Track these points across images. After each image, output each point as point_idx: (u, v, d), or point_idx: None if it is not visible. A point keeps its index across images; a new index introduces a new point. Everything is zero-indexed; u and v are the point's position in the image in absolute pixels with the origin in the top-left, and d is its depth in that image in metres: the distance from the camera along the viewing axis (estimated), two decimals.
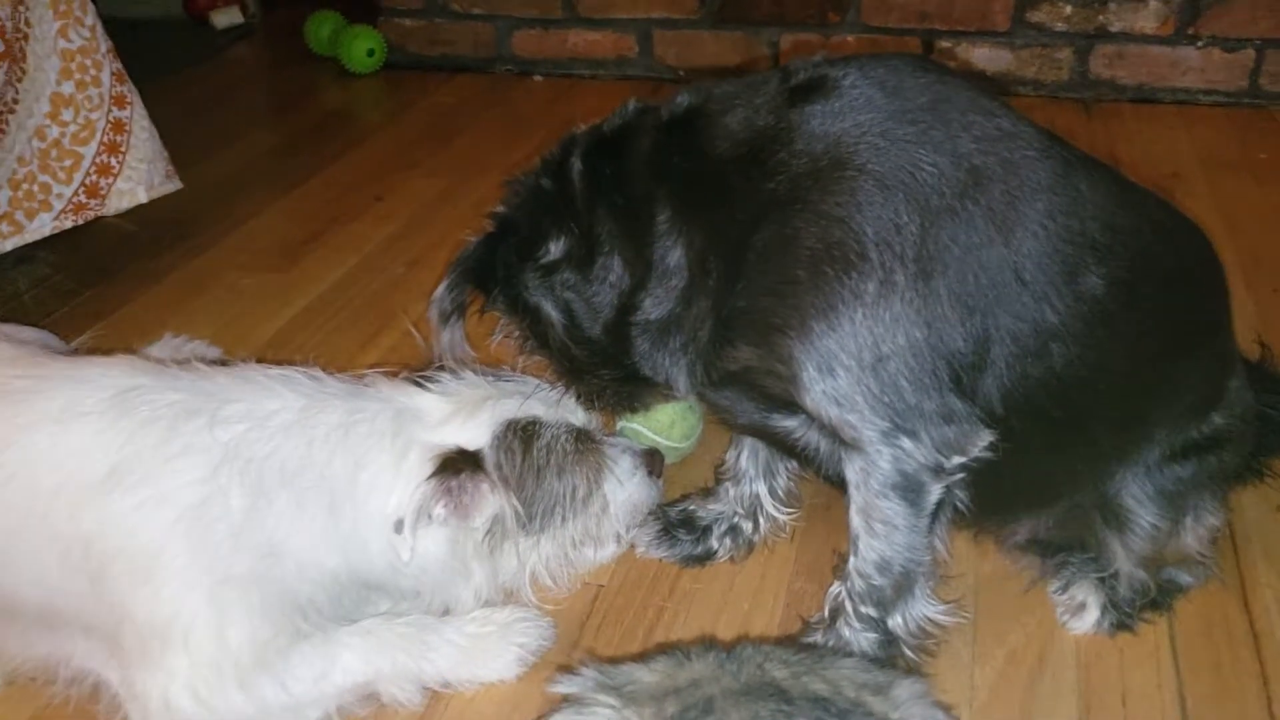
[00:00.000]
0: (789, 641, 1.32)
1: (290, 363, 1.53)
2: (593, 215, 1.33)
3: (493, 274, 1.42)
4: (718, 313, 1.27)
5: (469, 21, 3.57)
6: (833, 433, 1.26)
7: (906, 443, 1.21)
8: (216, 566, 1.32)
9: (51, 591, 1.34)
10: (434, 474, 1.40)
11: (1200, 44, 3.08)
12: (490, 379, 1.56)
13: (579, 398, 1.51)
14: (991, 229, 1.20)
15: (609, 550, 1.62)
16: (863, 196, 1.18)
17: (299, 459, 1.39)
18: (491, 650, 1.44)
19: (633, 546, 1.64)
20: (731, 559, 1.62)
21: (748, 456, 1.61)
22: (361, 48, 3.59)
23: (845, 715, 0.96)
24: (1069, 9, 3.11)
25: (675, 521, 1.64)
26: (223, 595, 1.32)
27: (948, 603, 1.38)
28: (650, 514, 1.65)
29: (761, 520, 1.62)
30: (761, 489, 1.61)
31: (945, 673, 1.41)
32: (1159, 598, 1.47)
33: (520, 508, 1.46)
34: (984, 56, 3.22)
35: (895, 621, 1.36)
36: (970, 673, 1.43)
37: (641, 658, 1.08)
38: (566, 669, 1.06)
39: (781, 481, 1.62)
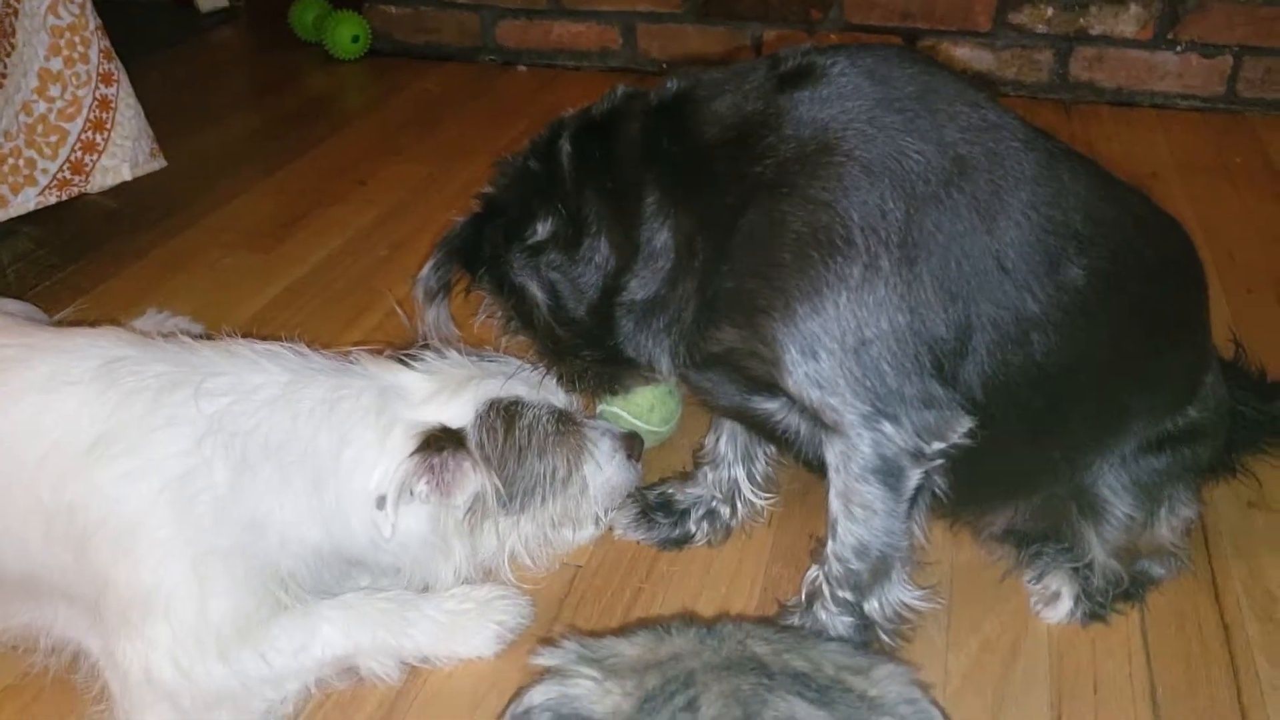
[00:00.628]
0: (769, 621, 1.33)
1: (274, 340, 1.54)
2: (580, 197, 1.34)
3: (479, 254, 1.43)
4: (703, 294, 1.28)
5: (454, 10, 3.57)
6: (814, 416, 1.27)
7: (888, 427, 1.23)
8: (199, 538, 1.32)
9: (34, 560, 1.35)
10: (417, 450, 1.41)
11: (1179, 49, 3.11)
12: (473, 359, 1.57)
13: (560, 379, 1.52)
14: (975, 217, 1.22)
15: (587, 531, 1.63)
16: (849, 182, 1.19)
17: (283, 433, 1.39)
18: (470, 627, 1.45)
19: (611, 529, 1.65)
20: (709, 543, 1.64)
21: (726, 441, 1.62)
22: (346, 34, 3.58)
23: (825, 691, 0.97)
24: (1050, 11, 3.14)
25: (654, 505, 1.65)
26: (205, 567, 1.32)
27: (924, 589, 1.40)
28: (629, 497, 1.66)
29: (739, 505, 1.64)
30: (740, 474, 1.63)
31: (919, 659, 1.42)
32: (1131, 589, 1.49)
33: (501, 487, 1.47)
34: (965, 56, 3.24)
35: (871, 606, 1.38)
36: (944, 659, 1.45)
37: (622, 632, 1.09)
38: (548, 641, 1.07)
39: (760, 467, 1.64)
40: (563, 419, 1.55)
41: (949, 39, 3.24)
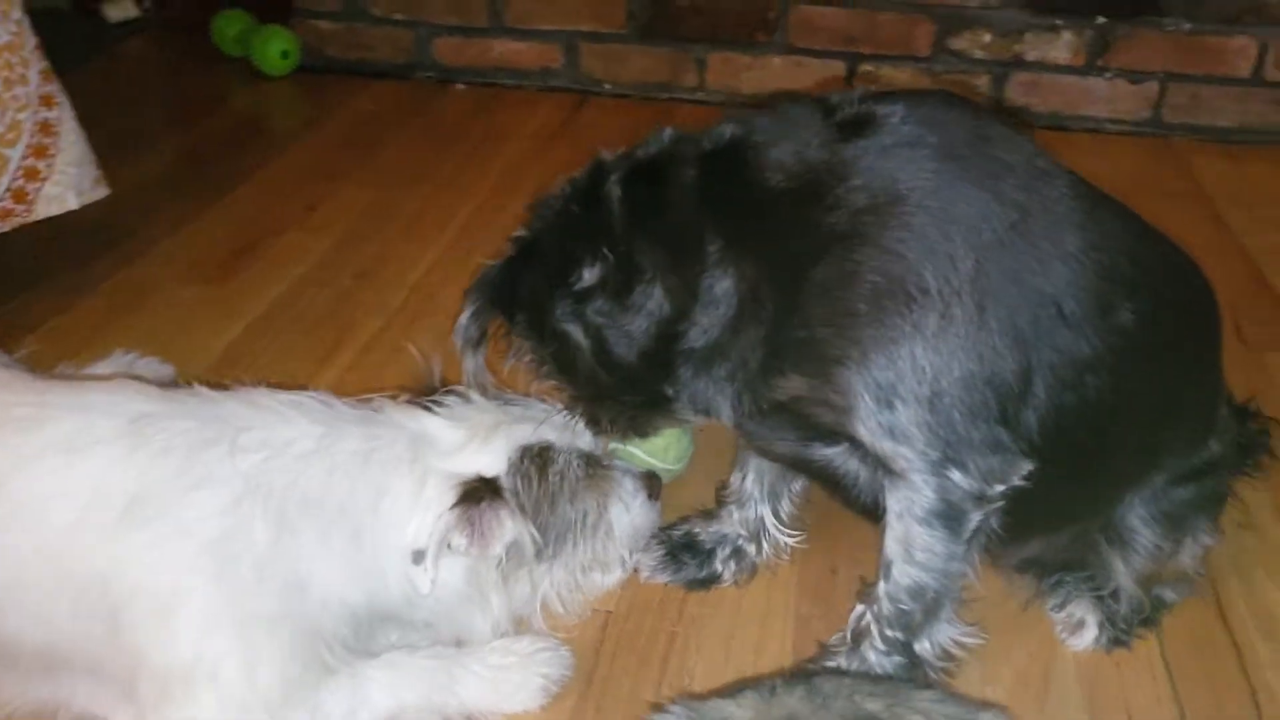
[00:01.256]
0: (864, 675, 1.33)
1: (241, 381, 1.49)
2: (632, 242, 1.32)
3: (517, 300, 1.40)
4: (771, 343, 1.27)
5: (389, 26, 3.50)
6: (879, 462, 1.28)
7: (955, 473, 1.24)
8: (242, 603, 1.27)
9: (59, 633, 1.27)
10: (456, 503, 1.37)
11: (1108, 75, 3.23)
12: (497, 403, 1.54)
13: (590, 422, 1.50)
14: (1035, 263, 1.24)
15: (615, 575, 1.60)
16: (921, 232, 1.20)
17: (320, 488, 1.35)
18: (515, 681, 1.42)
19: (637, 571, 1.63)
20: (736, 583, 1.63)
21: (753, 480, 1.62)
22: (275, 49, 3.47)
23: None
24: (988, 37, 3.23)
25: (679, 545, 1.64)
26: (250, 633, 1.27)
27: (970, 625, 1.42)
28: (653, 538, 1.65)
29: (765, 543, 1.64)
30: (766, 512, 1.63)
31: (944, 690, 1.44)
32: (1151, 615, 1.54)
33: (537, 535, 1.45)
34: (906, 81, 3.30)
35: (922, 646, 1.39)
36: (981, 693, 1.47)
37: (726, 692, 1.08)
38: (657, 707, 1.06)
39: (785, 505, 1.64)
40: (591, 462, 1.53)
41: (890, 63, 3.30)
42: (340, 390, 1.58)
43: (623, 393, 1.41)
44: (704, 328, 1.30)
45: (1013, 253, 1.22)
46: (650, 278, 1.31)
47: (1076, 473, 1.36)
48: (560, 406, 1.52)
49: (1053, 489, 1.35)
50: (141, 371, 1.91)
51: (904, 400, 1.21)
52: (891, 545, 1.33)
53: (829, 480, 1.39)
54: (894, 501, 1.30)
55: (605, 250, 1.32)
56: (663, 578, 1.62)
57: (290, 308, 2.29)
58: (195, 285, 2.35)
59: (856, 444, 1.29)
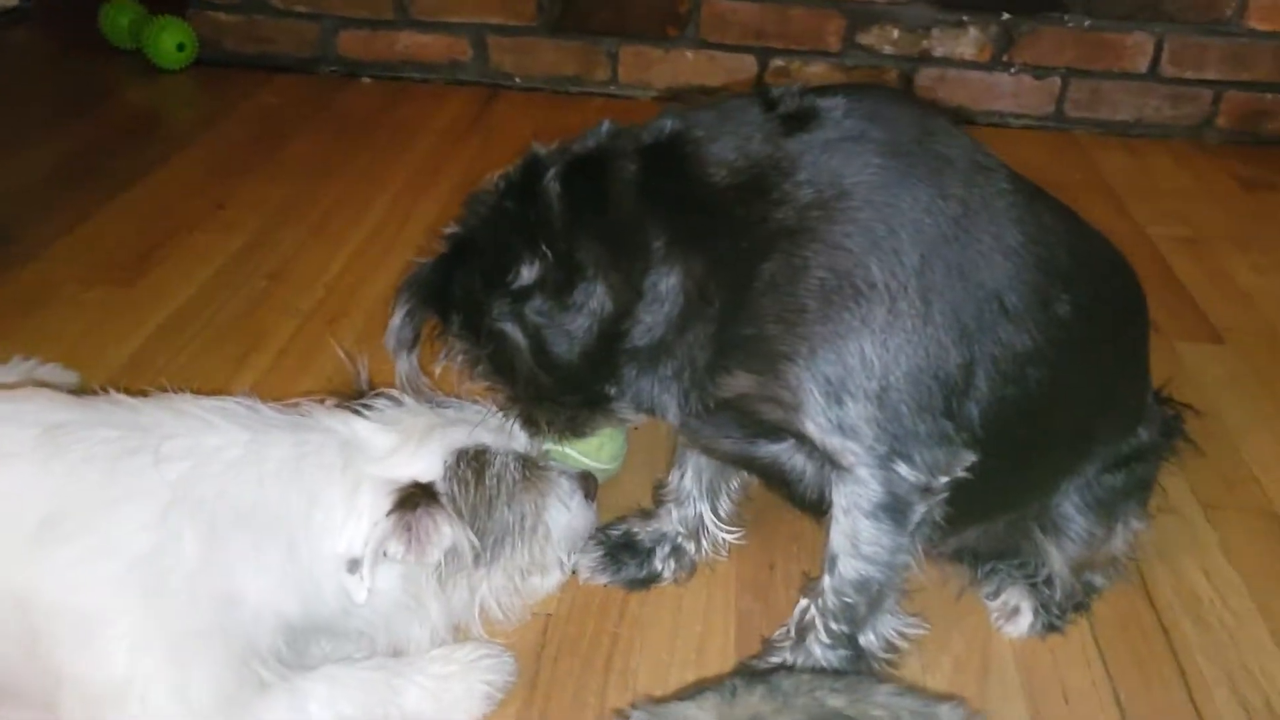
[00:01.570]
0: (821, 671, 1.32)
1: (156, 388, 1.43)
2: (573, 240, 1.29)
3: (451, 298, 1.37)
4: (718, 340, 1.26)
5: (291, 19, 3.41)
6: (826, 457, 1.27)
7: (902, 467, 1.24)
8: (173, 620, 1.21)
9: None
10: (392, 509, 1.33)
11: (1013, 70, 3.30)
12: (429, 405, 1.50)
13: (526, 423, 1.47)
14: (978, 257, 1.24)
15: (554, 578, 1.57)
16: (867, 227, 1.20)
17: (250, 498, 1.29)
18: (458, 690, 1.38)
19: (575, 573, 1.61)
20: (676, 581, 1.61)
21: (691, 478, 1.61)
22: (170, 41, 3.35)
23: None
24: (896, 33, 3.27)
25: (617, 545, 1.62)
26: (182, 651, 1.21)
27: (912, 616, 1.43)
28: (591, 539, 1.62)
29: (704, 541, 1.63)
30: (705, 509, 1.61)
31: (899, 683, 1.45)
32: (1082, 600, 1.56)
33: (475, 540, 1.41)
34: (816, 76, 3.33)
35: (867, 638, 1.39)
36: (922, 681, 1.48)
37: (684, 695, 1.07)
38: (620, 713, 1.03)
39: (724, 502, 1.63)
40: (527, 464, 1.50)
41: (801, 58, 3.32)
42: (259, 395, 1.51)
43: (563, 393, 1.38)
44: (648, 326, 1.28)
45: (956, 247, 1.23)
46: (592, 275, 1.28)
47: (1016, 463, 1.37)
48: (494, 408, 1.49)
49: (992, 479, 1.36)
50: (43, 378, 1.82)
51: (853, 395, 1.20)
52: (837, 539, 1.32)
53: (774, 477, 1.39)
54: (840, 496, 1.29)
55: (544, 248, 1.29)
56: (602, 579, 1.60)
57: (201, 310, 2.21)
58: (99, 287, 2.25)
59: (803, 440, 1.28)
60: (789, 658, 1.42)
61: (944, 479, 1.27)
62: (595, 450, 1.73)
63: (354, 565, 1.31)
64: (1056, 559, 1.49)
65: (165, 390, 1.43)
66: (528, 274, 1.30)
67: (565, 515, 1.56)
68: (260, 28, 3.42)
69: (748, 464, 1.45)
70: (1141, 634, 1.57)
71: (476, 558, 1.43)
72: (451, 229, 1.39)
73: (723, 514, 1.63)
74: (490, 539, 1.44)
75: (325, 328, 2.18)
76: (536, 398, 1.40)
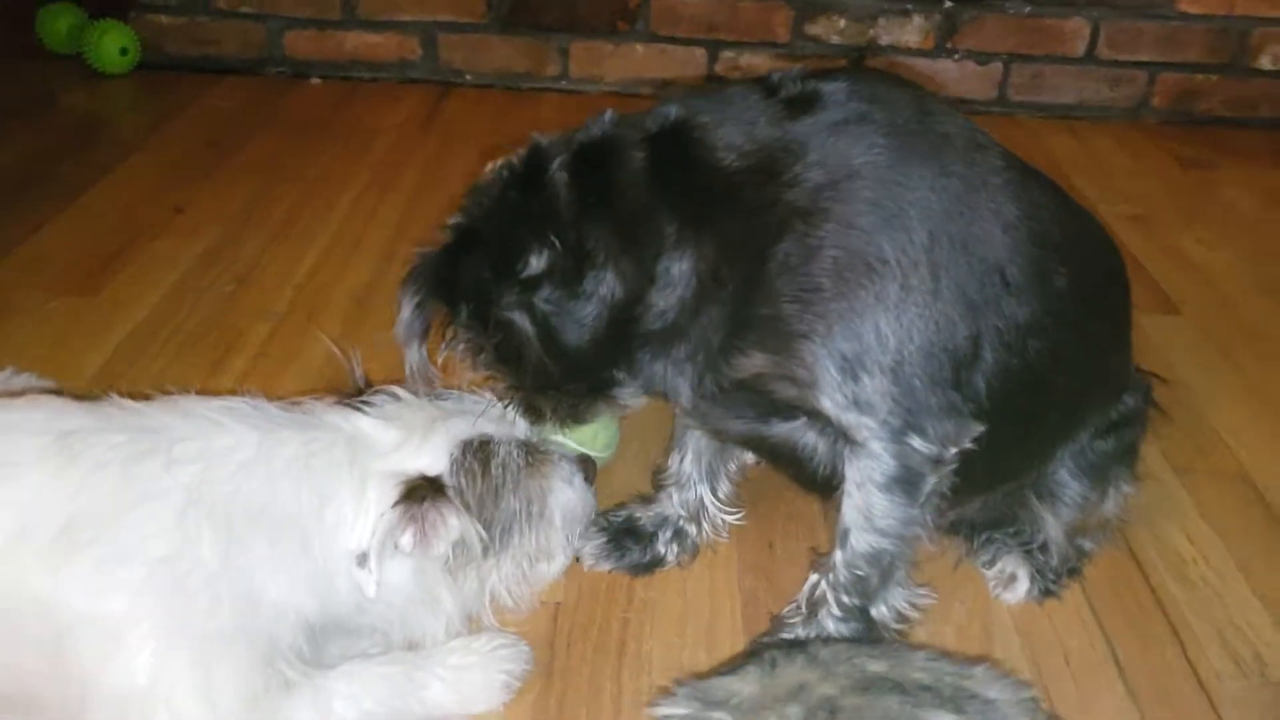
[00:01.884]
0: (852, 640, 1.35)
1: (134, 393, 1.40)
2: (582, 228, 1.30)
3: (459, 288, 1.37)
4: (733, 322, 1.28)
5: (236, 20, 3.36)
6: (839, 433, 1.30)
7: (915, 439, 1.27)
8: (196, 622, 1.20)
9: None
10: (399, 502, 1.33)
11: (957, 57, 3.36)
12: (428, 398, 1.50)
13: (527, 411, 1.48)
14: (980, 232, 1.28)
15: (559, 563, 1.57)
16: (878, 205, 1.22)
17: (264, 497, 1.29)
18: (477, 680, 1.38)
19: (579, 560, 1.61)
20: (679, 564, 1.63)
21: (691, 461, 1.62)
22: (113, 45, 3.29)
23: (957, 701, 1.01)
24: (843, 22, 3.32)
25: (620, 530, 1.63)
26: (207, 653, 1.20)
27: (922, 586, 1.46)
28: (593, 525, 1.63)
29: (705, 523, 1.64)
30: (705, 492, 1.63)
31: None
32: (1075, 564, 1.61)
33: (483, 531, 1.41)
34: (766, 67, 3.36)
35: (879, 610, 1.42)
36: None
37: (724, 669, 1.08)
38: (665, 691, 1.05)
39: (723, 484, 1.65)
40: (529, 450, 1.51)
41: (750, 50, 3.35)
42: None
43: (569, 380, 1.39)
44: (661, 310, 1.30)
45: (960, 223, 1.26)
46: (602, 263, 1.29)
47: (1018, 432, 1.41)
48: (493, 397, 1.49)
49: (996, 449, 1.39)
50: (20, 388, 1.78)
51: (869, 371, 1.23)
52: (850, 513, 1.35)
53: (785, 455, 1.41)
54: (853, 471, 1.32)
55: (552, 237, 1.30)
56: (607, 565, 1.61)
57: (170, 316, 2.17)
58: (65, 296, 2.21)
59: (815, 417, 1.31)
60: (801, 632, 1.44)
61: (954, 450, 1.31)
62: (590, 439, 1.73)
63: (363, 559, 1.31)
64: (1052, 525, 1.54)
65: (156, 394, 1.42)
66: (536, 263, 1.30)
67: (568, 497, 1.56)
68: (204, 30, 3.37)
69: (758, 444, 1.47)
70: (1132, 595, 1.62)
71: (485, 548, 1.43)
72: (456, 219, 1.39)
73: (722, 495, 1.65)
74: (498, 528, 1.45)
75: (299, 331, 2.16)
76: (542, 386, 1.41)
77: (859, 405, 1.25)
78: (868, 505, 1.33)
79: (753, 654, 1.12)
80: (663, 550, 1.62)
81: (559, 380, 1.39)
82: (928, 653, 1.11)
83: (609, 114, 1.35)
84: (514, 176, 1.35)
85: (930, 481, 1.32)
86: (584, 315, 1.32)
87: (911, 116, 1.29)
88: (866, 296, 1.22)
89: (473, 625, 1.47)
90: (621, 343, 1.33)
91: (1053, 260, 1.34)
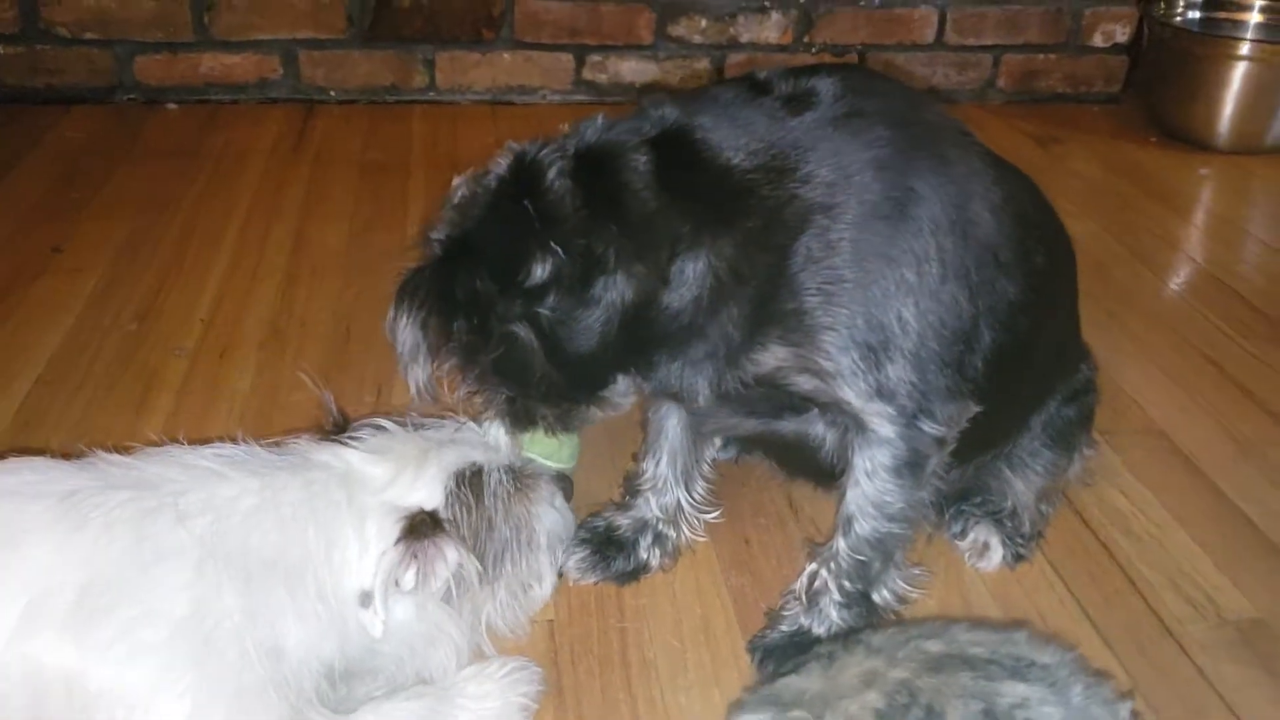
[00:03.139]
0: (899, 624, 1.38)
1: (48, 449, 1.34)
2: (591, 233, 1.27)
3: (455, 303, 1.32)
4: (754, 319, 1.29)
5: (80, 47, 3.17)
6: (853, 422, 1.33)
7: (926, 423, 1.32)
8: (227, 679, 1.16)
9: None
10: (399, 539, 1.31)
11: (814, 50, 3.46)
12: (413, 428, 1.47)
13: (515, 422, 1.45)
14: (974, 216, 1.33)
15: (549, 585, 1.57)
16: (890, 196, 1.27)
17: (275, 544, 1.25)
18: (497, 707, 1.37)
19: (562, 574, 1.61)
20: (663, 568, 1.64)
21: (666, 464, 1.63)
22: None
23: (1018, 670, 1.06)
24: (704, 22, 3.38)
25: (601, 541, 1.63)
26: (241, 709, 1.16)
27: (917, 567, 1.52)
28: (574, 539, 1.63)
29: (684, 525, 1.66)
30: (682, 494, 1.65)
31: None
32: (1041, 528, 1.70)
33: (478, 562, 1.40)
34: (632, 70, 3.40)
35: (880, 594, 1.47)
36: None
37: (783, 670, 1.11)
38: (736, 703, 1.06)
39: (698, 485, 1.67)
40: (517, 475, 1.49)
41: (616, 53, 3.38)
42: (169, 440, 1.41)
43: (575, 387, 1.38)
44: (676, 311, 1.29)
45: (959, 208, 1.31)
46: (612, 268, 1.28)
47: (1003, 405, 1.47)
48: (476, 417, 1.47)
49: (983, 422, 1.43)
50: None
51: (892, 359, 1.27)
52: (857, 501, 1.39)
53: (795, 449, 1.43)
54: (863, 459, 1.36)
55: (555, 244, 1.27)
56: (593, 577, 1.61)
57: (75, 359, 2.05)
58: None
59: (828, 409, 1.34)
60: (804, 622, 1.48)
61: (955, 430, 1.36)
62: (556, 450, 1.73)
63: (366, 599, 1.28)
64: (1023, 491, 1.62)
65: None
66: (540, 272, 1.27)
67: (552, 519, 1.56)
68: (46, 58, 3.17)
69: (768, 439, 1.49)
70: (1087, 553, 1.72)
71: (481, 577, 1.41)
72: (442, 232, 1.35)
73: (697, 496, 1.67)
74: (491, 557, 1.43)
75: (217, 362, 2.08)
76: (543, 395, 1.39)
77: (882, 393, 1.28)
78: (877, 492, 1.37)
79: (810, 652, 1.14)
80: (645, 556, 1.63)
81: (563, 388, 1.38)
82: (965, 624, 1.16)
83: (600, 119, 1.34)
84: (505, 185, 1.32)
85: (934, 463, 1.37)
86: (593, 321, 1.30)
87: (905, 108, 1.34)
88: (887, 285, 1.25)
89: (474, 653, 1.45)
90: (634, 346, 1.32)
91: (1031, 239, 1.41)
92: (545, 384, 1.36)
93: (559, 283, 1.28)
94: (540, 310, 1.30)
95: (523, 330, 1.31)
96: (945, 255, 1.28)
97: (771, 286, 1.28)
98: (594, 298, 1.29)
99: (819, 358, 1.28)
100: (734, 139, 1.29)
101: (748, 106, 1.31)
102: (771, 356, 1.30)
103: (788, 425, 1.40)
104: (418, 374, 1.33)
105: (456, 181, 1.39)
